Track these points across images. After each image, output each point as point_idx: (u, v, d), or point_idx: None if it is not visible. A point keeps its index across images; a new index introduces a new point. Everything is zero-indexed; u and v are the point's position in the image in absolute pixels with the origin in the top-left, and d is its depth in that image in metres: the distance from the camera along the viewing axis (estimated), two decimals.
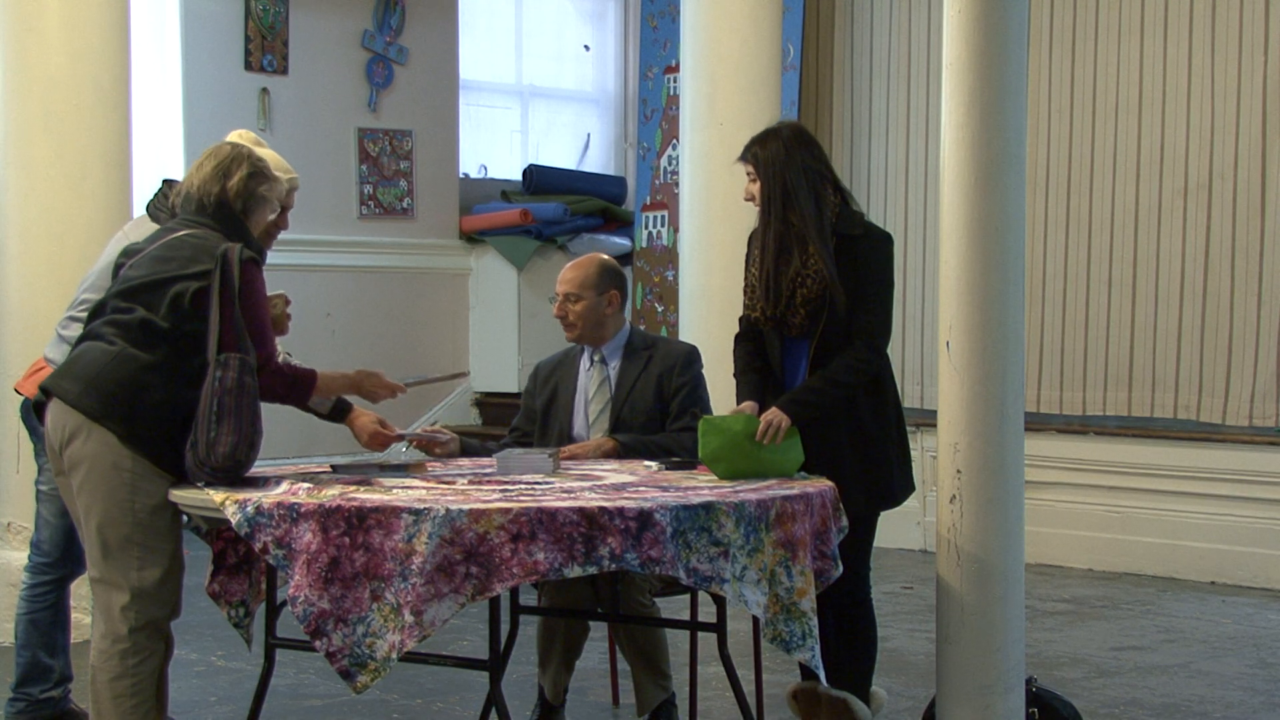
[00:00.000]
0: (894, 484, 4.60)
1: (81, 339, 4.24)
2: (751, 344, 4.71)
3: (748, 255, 4.69)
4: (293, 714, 5.29)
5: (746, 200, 4.65)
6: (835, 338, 4.51)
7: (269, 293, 4.52)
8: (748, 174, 4.63)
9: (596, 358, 5.06)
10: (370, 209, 9.63)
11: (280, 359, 4.35)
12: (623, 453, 4.84)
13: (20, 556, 6.26)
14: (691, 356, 5.05)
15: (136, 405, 4.07)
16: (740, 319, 4.73)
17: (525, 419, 5.14)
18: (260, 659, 4.25)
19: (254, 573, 4.29)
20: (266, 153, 4.58)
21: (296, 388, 4.34)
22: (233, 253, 4.12)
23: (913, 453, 4.78)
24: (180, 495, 4.05)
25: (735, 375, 4.73)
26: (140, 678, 4.13)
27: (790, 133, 4.63)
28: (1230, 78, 7.96)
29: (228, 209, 4.24)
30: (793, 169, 4.53)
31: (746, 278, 4.68)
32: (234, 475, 4.07)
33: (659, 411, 4.95)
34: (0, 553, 6.34)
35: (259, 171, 4.32)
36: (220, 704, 5.40)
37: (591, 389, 5.03)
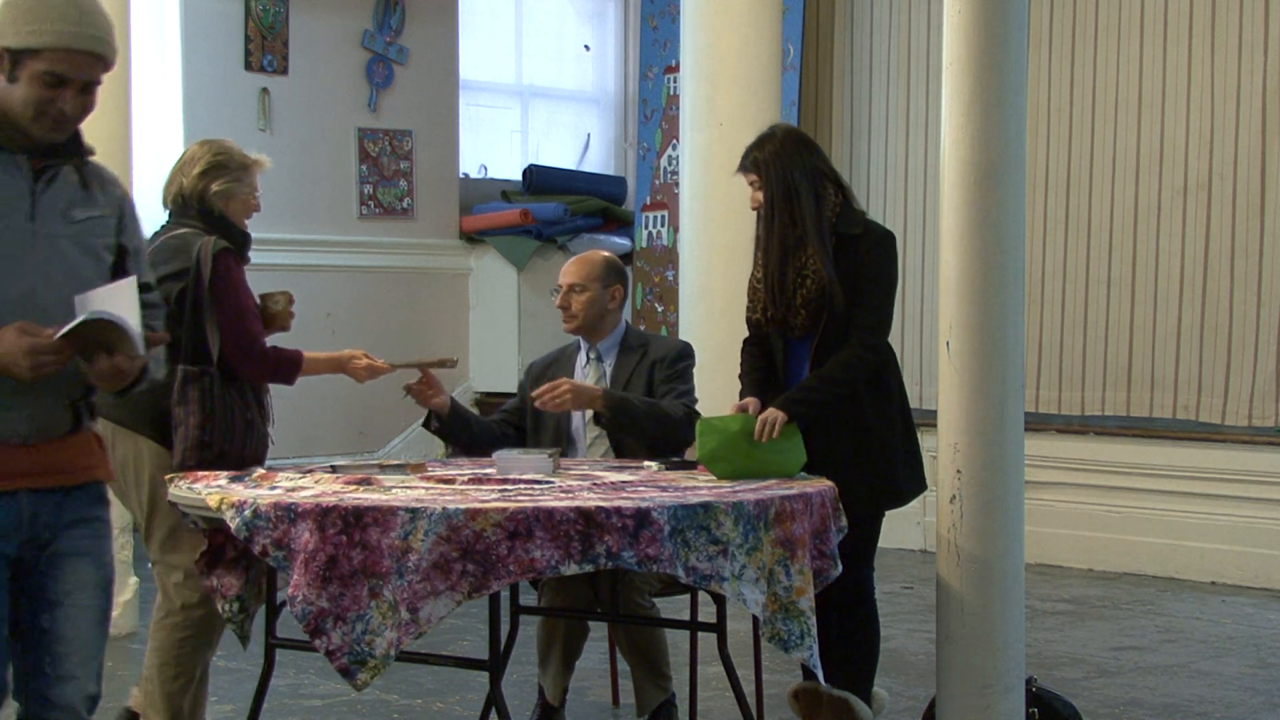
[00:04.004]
0: (899, 481, 4.60)
1: None
2: (757, 347, 4.73)
3: (754, 258, 4.69)
4: (293, 714, 5.29)
5: (754, 209, 4.65)
6: (836, 337, 4.51)
7: (274, 290, 4.77)
8: (750, 183, 4.63)
9: (592, 355, 5.06)
10: (370, 209, 9.63)
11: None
12: (608, 402, 4.80)
13: None
14: (684, 351, 5.05)
15: (163, 411, 4.41)
16: (748, 322, 4.74)
17: (516, 411, 5.09)
18: (260, 659, 4.25)
19: (252, 570, 4.28)
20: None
21: (283, 369, 4.62)
22: (205, 249, 4.41)
23: None
24: (179, 496, 4.05)
25: (740, 376, 4.74)
26: (184, 653, 4.45)
27: (786, 134, 4.65)
28: (1230, 78, 7.96)
29: (192, 205, 4.50)
30: (793, 169, 4.54)
31: (750, 280, 4.69)
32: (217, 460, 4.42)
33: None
34: None
35: (214, 167, 4.52)
36: (220, 704, 5.39)
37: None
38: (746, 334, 4.78)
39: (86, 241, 3.18)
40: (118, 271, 3.24)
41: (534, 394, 4.81)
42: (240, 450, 4.49)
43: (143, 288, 3.22)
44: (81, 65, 3.06)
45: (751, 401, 4.55)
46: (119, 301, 3.03)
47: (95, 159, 3.28)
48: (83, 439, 3.24)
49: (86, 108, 3.13)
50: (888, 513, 4.70)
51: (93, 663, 3.23)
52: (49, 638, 3.17)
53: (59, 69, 3.03)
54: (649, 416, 4.79)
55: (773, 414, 4.39)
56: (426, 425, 5.00)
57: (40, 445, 3.14)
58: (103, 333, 2.99)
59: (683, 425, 4.81)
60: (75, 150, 3.21)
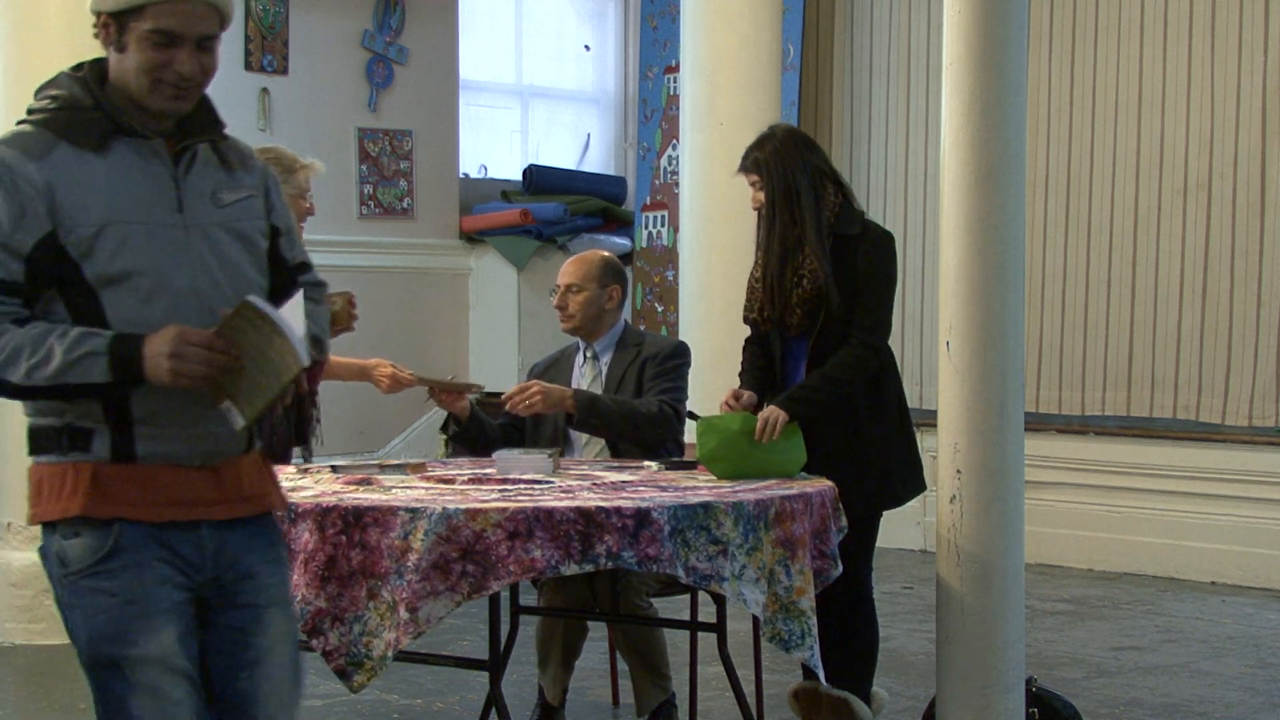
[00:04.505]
0: (894, 483, 4.60)
1: None
2: (758, 346, 4.74)
3: (755, 258, 4.70)
4: None
5: (755, 209, 4.65)
6: (833, 337, 4.51)
7: (332, 291, 4.70)
8: (751, 183, 4.63)
9: (589, 354, 5.07)
10: (370, 209, 9.63)
11: None
12: (579, 401, 4.80)
13: (20, 556, 6.26)
14: (679, 350, 5.05)
15: None
16: (745, 321, 4.75)
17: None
18: None
19: None
20: None
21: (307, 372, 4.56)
22: None
23: None
24: None
25: (739, 374, 4.75)
26: None
27: (786, 134, 4.65)
28: (1230, 78, 7.96)
29: None
30: (794, 168, 4.54)
31: (749, 279, 4.70)
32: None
33: (639, 396, 4.95)
34: (0, 553, 6.34)
35: None
36: None
37: (584, 384, 5.03)
38: (746, 333, 4.78)
39: (238, 227, 2.82)
40: (272, 257, 2.89)
41: (504, 398, 4.81)
42: None
43: (299, 267, 2.94)
44: (191, 17, 2.73)
45: (747, 393, 4.57)
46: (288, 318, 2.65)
47: (227, 132, 2.92)
48: (255, 459, 2.88)
49: (207, 69, 2.78)
50: (886, 513, 4.70)
51: None
52: (248, 702, 2.79)
53: (166, 24, 2.70)
54: (620, 415, 4.79)
55: (774, 414, 4.39)
56: (444, 429, 5.01)
57: (216, 468, 2.78)
58: (257, 335, 2.61)
59: (657, 421, 4.81)
60: (210, 125, 2.86)
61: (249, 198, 2.85)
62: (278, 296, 2.79)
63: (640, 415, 4.80)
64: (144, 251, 2.69)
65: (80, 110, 2.75)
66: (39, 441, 2.74)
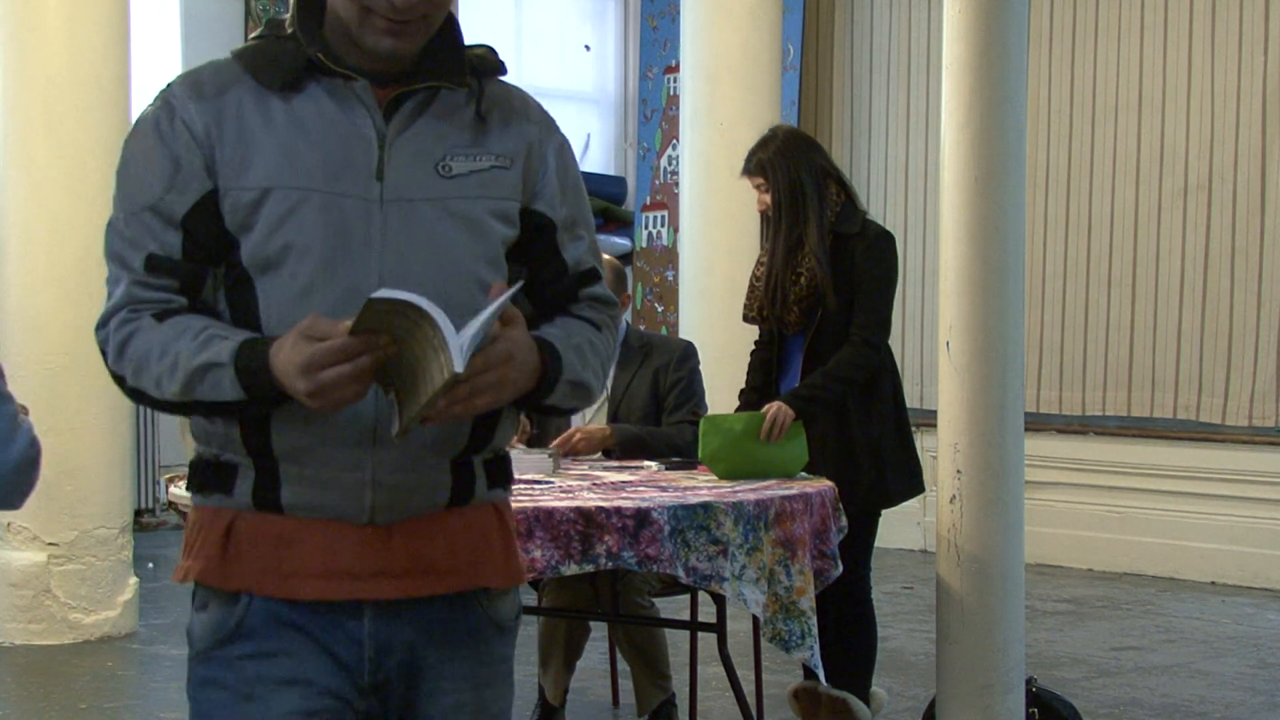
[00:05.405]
0: (888, 483, 4.59)
1: None
2: (761, 353, 4.74)
3: (759, 258, 4.71)
4: None
5: (761, 211, 4.66)
6: (830, 336, 4.52)
7: None
8: (756, 185, 4.63)
9: None
10: None
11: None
12: (619, 439, 4.82)
13: (20, 556, 6.26)
14: (688, 351, 5.05)
15: None
16: (745, 319, 4.76)
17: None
18: None
19: None
20: None
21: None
22: None
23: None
24: (179, 496, 4.05)
25: (740, 393, 4.77)
26: None
27: (788, 134, 4.67)
28: (1230, 78, 7.97)
29: None
30: (799, 167, 4.55)
31: (750, 277, 4.71)
32: None
33: (654, 408, 4.96)
34: (0, 553, 6.33)
35: None
36: None
37: None
38: (746, 333, 4.79)
39: (461, 207, 2.01)
40: (531, 253, 2.10)
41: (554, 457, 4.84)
42: None
43: (586, 276, 2.14)
44: None
45: None
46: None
47: (505, 80, 2.14)
48: (471, 518, 2.07)
49: (434, 1, 1.98)
50: (886, 513, 4.70)
51: None
52: None
53: None
54: (656, 451, 4.83)
55: (782, 412, 4.39)
56: None
57: (396, 528, 2.01)
58: (404, 321, 1.82)
59: (695, 447, 4.82)
60: (449, 70, 2.05)
61: (495, 168, 2.04)
62: (547, 309, 2.12)
63: (679, 446, 4.83)
64: (312, 228, 1.96)
65: (277, 40, 2.04)
66: (190, 478, 2.10)
